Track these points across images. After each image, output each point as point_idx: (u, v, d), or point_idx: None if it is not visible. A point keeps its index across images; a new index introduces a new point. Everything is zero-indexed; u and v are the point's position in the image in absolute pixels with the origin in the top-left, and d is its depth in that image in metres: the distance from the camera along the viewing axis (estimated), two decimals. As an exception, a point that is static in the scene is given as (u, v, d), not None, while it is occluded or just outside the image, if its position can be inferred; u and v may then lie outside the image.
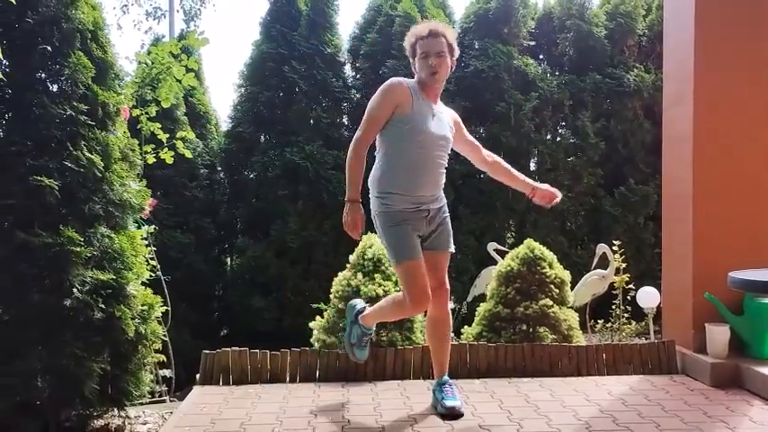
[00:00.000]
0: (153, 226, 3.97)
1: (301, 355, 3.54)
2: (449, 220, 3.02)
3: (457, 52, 2.95)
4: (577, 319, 4.00)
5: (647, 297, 4.70)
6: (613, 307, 5.15)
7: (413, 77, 2.95)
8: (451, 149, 3.01)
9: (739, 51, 3.59)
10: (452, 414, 2.88)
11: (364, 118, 2.88)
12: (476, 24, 7.11)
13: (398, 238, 2.82)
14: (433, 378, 3.47)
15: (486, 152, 3.20)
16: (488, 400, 3.15)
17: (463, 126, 3.13)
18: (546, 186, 3.15)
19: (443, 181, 2.99)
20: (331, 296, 3.85)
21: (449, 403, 2.91)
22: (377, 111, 2.84)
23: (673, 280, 3.87)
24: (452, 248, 3.01)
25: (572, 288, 4.18)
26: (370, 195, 2.92)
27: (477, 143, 3.20)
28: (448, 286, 2.97)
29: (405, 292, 2.80)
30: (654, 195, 6.70)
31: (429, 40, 2.84)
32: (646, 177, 6.97)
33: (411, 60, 2.95)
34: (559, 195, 3.13)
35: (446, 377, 3.05)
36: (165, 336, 3.57)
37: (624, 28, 7.24)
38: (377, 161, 2.93)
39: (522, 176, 3.18)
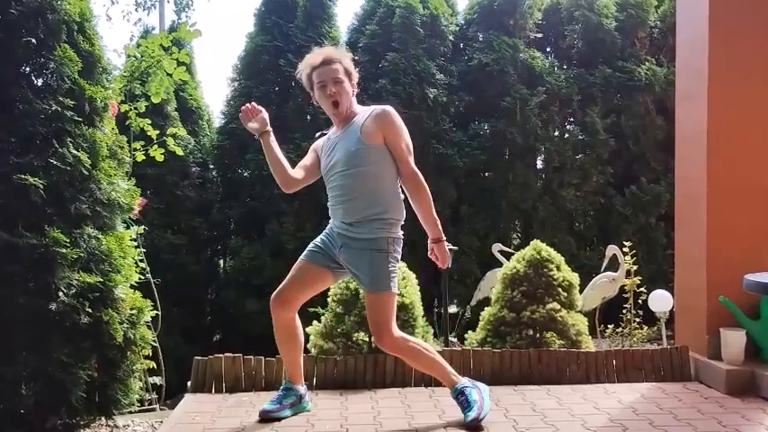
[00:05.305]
0: (142, 226, 3.97)
1: (298, 362, 3.54)
2: (376, 258, 2.81)
3: (355, 76, 2.95)
4: (586, 323, 4.00)
5: (660, 301, 4.70)
6: (624, 311, 5.16)
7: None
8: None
9: (754, 45, 3.58)
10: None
11: None
12: (480, 16, 7.11)
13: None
14: (435, 386, 3.48)
15: (406, 175, 2.86)
16: (493, 408, 3.13)
17: (385, 127, 2.82)
18: (444, 248, 2.90)
19: (365, 206, 2.83)
20: (329, 300, 3.85)
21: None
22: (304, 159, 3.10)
23: (686, 283, 3.87)
24: (376, 289, 2.79)
25: (581, 291, 4.17)
26: None
27: (402, 159, 2.85)
28: (385, 332, 2.78)
29: None
30: (666, 195, 6.68)
31: (324, 69, 2.86)
32: (657, 176, 6.97)
33: (311, 93, 2.97)
34: (445, 265, 2.94)
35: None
36: (155, 341, 3.57)
37: (635, 19, 7.23)
38: None
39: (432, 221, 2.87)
